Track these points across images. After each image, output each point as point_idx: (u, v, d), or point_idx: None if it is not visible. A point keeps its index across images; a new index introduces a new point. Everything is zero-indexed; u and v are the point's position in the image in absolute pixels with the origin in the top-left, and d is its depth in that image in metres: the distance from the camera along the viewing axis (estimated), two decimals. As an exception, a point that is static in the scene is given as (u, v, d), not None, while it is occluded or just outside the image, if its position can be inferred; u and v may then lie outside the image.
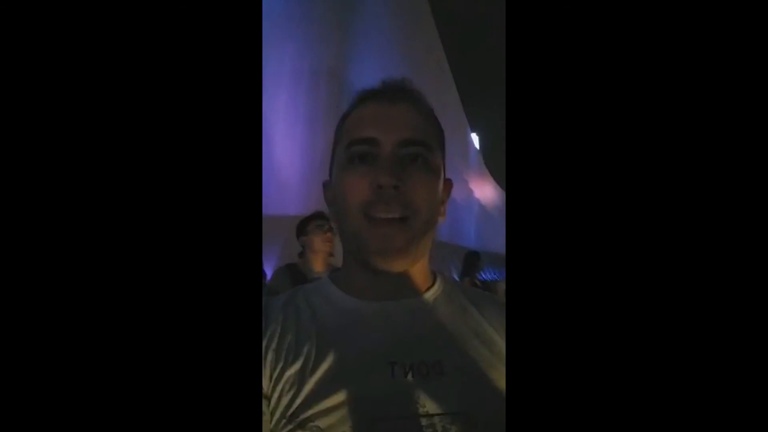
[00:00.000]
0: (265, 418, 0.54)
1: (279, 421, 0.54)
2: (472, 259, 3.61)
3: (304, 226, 2.42)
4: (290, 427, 0.53)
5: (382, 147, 0.59)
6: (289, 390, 0.55)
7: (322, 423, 0.53)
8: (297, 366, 0.57)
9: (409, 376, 0.56)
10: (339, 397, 0.54)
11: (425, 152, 0.60)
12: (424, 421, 0.53)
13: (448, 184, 0.67)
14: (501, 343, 0.60)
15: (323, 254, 2.37)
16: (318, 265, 2.36)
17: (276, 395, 0.55)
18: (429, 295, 0.65)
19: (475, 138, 13.11)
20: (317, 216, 2.38)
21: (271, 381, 0.56)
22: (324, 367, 0.56)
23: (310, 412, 0.53)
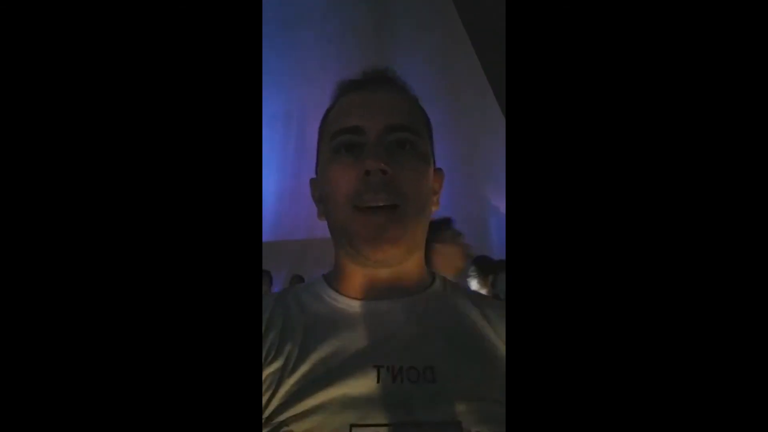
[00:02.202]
0: None
1: None
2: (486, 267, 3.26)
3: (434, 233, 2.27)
4: (265, 431, 0.50)
5: (368, 134, 0.56)
6: (266, 390, 0.52)
7: (297, 428, 0.49)
8: (277, 365, 0.53)
9: (397, 382, 0.52)
10: (316, 400, 0.50)
11: (413, 138, 0.58)
12: (408, 431, 0.49)
13: (440, 173, 0.65)
14: (503, 349, 0.56)
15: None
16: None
17: None
18: (425, 296, 0.61)
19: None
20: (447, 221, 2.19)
21: None
22: (304, 368, 0.53)
23: (285, 416, 0.50)
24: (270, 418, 0.50)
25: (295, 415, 0.50)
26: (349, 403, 0.50)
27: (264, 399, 0.51)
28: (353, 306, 0.59)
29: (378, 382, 0.52)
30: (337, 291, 0.61)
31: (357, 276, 0.60)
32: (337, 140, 0.58)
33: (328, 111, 0.63)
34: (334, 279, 0.63)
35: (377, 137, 0.56)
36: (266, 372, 0.53)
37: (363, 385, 0.51)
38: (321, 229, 0.63)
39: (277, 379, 0.52)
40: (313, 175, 0.66)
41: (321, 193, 0.62)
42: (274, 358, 0.54)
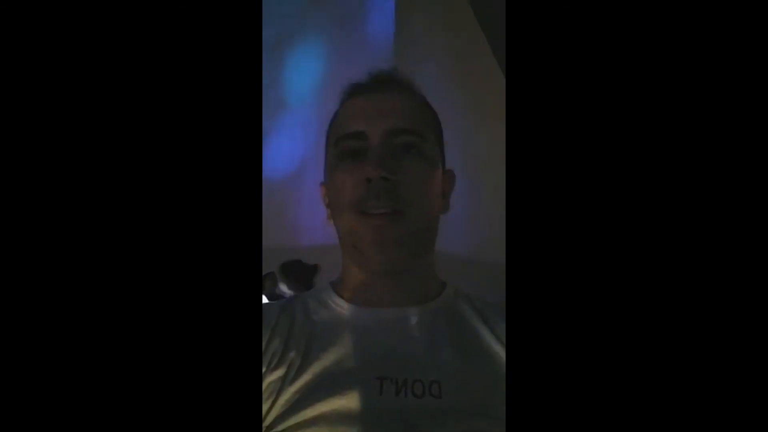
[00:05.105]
0: None
1: None
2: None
3: None
4: None
5: (371, 139, 0.56)
6: (267, 399, 0.51)
7: None
8: (279, 373, 0.52)
9: (401, 395, 0.50)
10: (316, 411, 0.49)
11: (417, 141, 0.57)
12: None
13: (449, 175, 0.63)
14: None
15: None
16: None
17: None
18: (433, 306, 0.59)
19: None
20: None
21: None
22: (306, 377, 0.52)
23: (284, 425, 0.49)
24: (270, 427, 0.49)
25: (294, 425, 0.49)
26: (349, 416, 0.49)
27: (265, 407, 0.50)
28: (359, 314, 0.58)
29: (381, 394, 0.50)
30: (343, 298, 0.60)
31: (363, 283, 0.59)
32: (342, 146, 0.58)
33: (334, 115, 0.63)
34: (340, 286, 0.62)
35: (380, 142, 0.55)
36: (268, 380, 0.52)
37: (365, 397, 0.50)
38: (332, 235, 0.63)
39: (278, 387, 0.52)
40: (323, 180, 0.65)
41: (329, 197, 0.62)
42: (277, 366, 0.53)
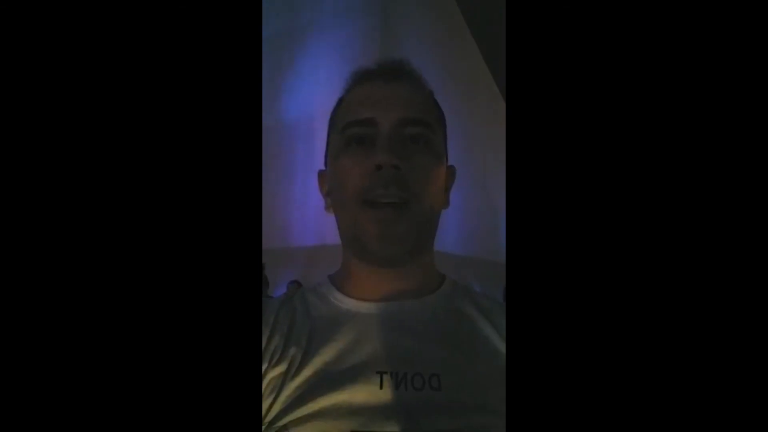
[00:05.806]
0: None
1: None
2: None
3: None
4: None
5: (381, 127, 0.55)
6: (270, 394, 0.51)
7: None
8: (280, 369, 0.53)
9: (401, 389, 0.50)
10: (317, 405, 0.49)
11: (427, 133, 0.57)
12: None
13: (451, 170, 0.63)
14: None
15: None
16: None
17: None
18: (432, 299, 0.59)
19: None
20: None
21: None
22: (306, 372, 0.52)
23: (285, 420, 0.49)
24: (272, 422, 0.50)
25: (295, 419, 0.49)
26: (350, 410, 0.49)
27: (267, 403, 0.51)
28: (358, 308, 0.58)
29: (381, 388, 0.50)
30: (342, 292, 0.60)
31: (363, 276, 0.59)
32: (349, 132, 0.57)
33: (340, 101, 0.62)
34: (340, 280, 0.62)
35: (390, 130, 0.55)
36: (270, 376, 0.52)
37: (365, 391, 0.50)
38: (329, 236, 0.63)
39: (280, 383, 0.52)
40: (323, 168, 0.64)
41: (330, 185, 0.61)
42: (278, 363, 0.53)
